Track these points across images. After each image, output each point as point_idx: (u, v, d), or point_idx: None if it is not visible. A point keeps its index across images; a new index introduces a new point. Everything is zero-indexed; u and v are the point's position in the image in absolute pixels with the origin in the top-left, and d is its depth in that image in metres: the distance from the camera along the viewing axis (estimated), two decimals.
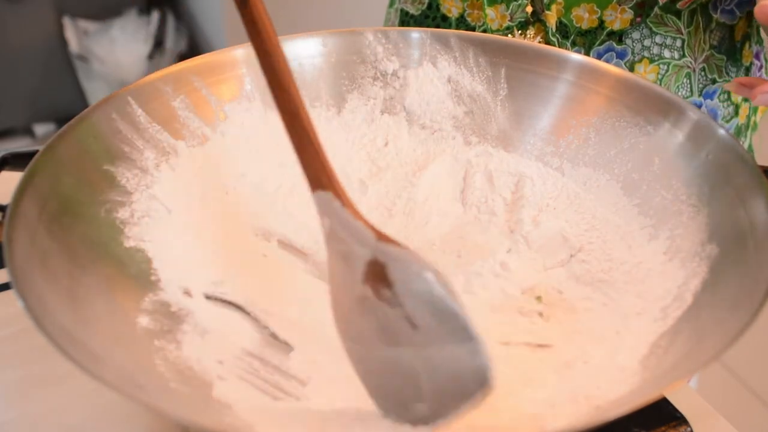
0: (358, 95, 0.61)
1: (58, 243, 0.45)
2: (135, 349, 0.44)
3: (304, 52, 0.60)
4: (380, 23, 0.87)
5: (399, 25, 0.79)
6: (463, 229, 0.57)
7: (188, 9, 2.14)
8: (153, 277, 0.49)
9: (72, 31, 2.03)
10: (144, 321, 0.46)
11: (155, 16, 2.08)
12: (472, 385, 0.38)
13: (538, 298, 0.51)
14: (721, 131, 0.50)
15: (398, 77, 0.61)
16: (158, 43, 2.06)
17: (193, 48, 2.12)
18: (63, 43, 2.02)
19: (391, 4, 0.82)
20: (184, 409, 0.41)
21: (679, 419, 0.46)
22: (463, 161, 0.60)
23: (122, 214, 0.50)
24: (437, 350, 0.39)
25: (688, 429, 0.46)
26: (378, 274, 0.41)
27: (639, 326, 0.47)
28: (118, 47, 2.03)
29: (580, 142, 0.57)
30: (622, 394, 0.42)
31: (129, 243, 0.49)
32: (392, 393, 0.42)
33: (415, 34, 0.61)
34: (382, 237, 0.41)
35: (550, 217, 0.56)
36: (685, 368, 0.40)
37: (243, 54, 0.59)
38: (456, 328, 0.38)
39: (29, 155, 0.48)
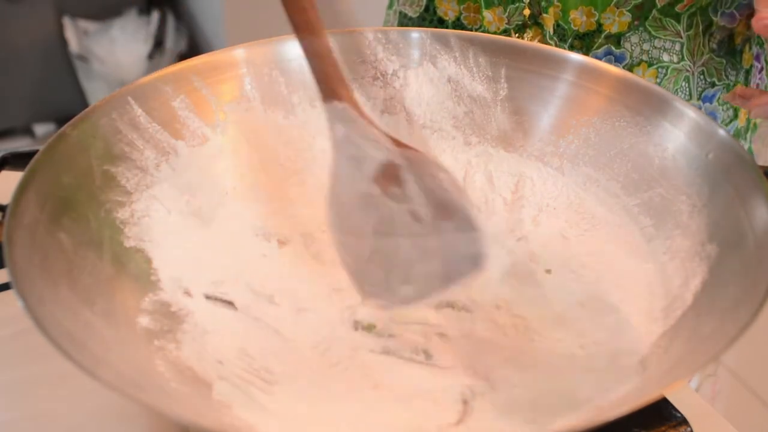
0: (359, 95, 0.61)
1: (58, 243, 0.45)
2: (135, 349, 0.44)
3: None
4: (380, 24, 0.87)
5: (398, 26, 0.79)
6: None
7: (188, 9, 2.14)
8: (153, 277, 0.49)
9: (72, 31, 2.03)
10: (144, 321, 0.46)
11: (155, 16, 2.08)
12: (465, 267, 0.43)
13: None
14: (721, 131, 0.50)
15: (398, 77, 0.61)
16: (158, 43, 2.06)
17: (193, 48, 2.12)
18: (63, 43, 2.02)
19: (390, 6, 0.82)
20: (184, 409, 0.41)
21: (679, 419, 0.46)
22: (463, 161, 0.60)
23: (122, 214, 0.50)
24: (436, 239, 0.44)
25: (688, 429, 0.46)
26: (391, 174, 0.45)
27: (639, 326, 0.47)
28: (118, 47, 2.03)
29: (580, 142, 0.57)
30: (622, 394, 0.42)
31: (129, 243, 0.49)
32: (378, 278, 0.46)
33: (415, 34, 0.61)
34: (399, 143, 0.46)
35: (550, 217, 0.56)
36: (685, 368, 0.40)
37: (243, 54, 0.59)
38: (461, 220, 0.44)
39: (29, 155, 0.48)
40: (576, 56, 0.58)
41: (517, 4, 0.68)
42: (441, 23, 0.75)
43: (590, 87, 0.57)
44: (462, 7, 0.72)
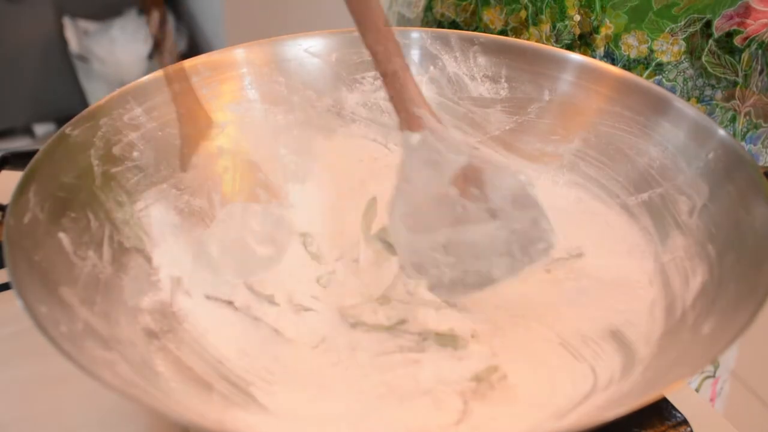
0: (359, 95, 0.61)
1: (58, 243, 0.45)
2: (135, 349, 0.44)
3: (304, 52, 0.60)
4: None
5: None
6: None
7: (188, 9, 2.14)
8: (153, 277, 0.49)
9: (72, 31, 2.03)
10: (144, 321, 0.46)
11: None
12: (534, 253, 0.48)
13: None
14: (722, 131, 0.50)
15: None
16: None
17: (193, 48, 2.12)
18: (63, 43, 2.02)
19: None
20: (184, 410, 0.41)
21: (679, 419, 0.46)
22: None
23: (122, 214, 0.50)
24: (509, 229, 0.48)
25: (688, 429, 0.46)
26: (470, 176, 0.48)
27: (639, 326, 0.47)
28: (118, 47, 2.03)
29: (580, 143, 0.57)
30: (622, 394, 0.42)
31: (129, 243, 0.49)
32: (448, 267, 0.49)
33: (416, 33, 0.61)
34: (475, 146, 0.50)
35: (550, 218, 0.56)
36: (685, 368, 0.40)
37: (243, 54, 0.59)
38: (535, 217, 0.48)
39: (29, 155, 0.48)
40: (576, 56, 0.58)
41: (566, 22, 0.65)
42: (486, 32, 0.72)
43: (590, 87, 0.57)
44: (509, 18, 0.70)
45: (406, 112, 0.49)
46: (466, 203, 0.48)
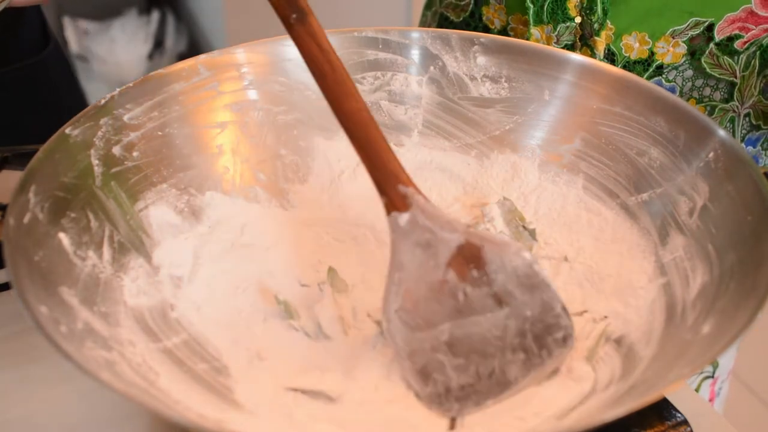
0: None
1: (58, 243, 0.45)
2: (135, 349, 0.44)
3: None
4: (381, 23, 0.87)
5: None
6: None
7: (188, 9, 2.14)
8: (153, 277, 0.49)
9: (72, 31, 2.03)
10: (144, 321, 0.46)
11: (155, 16, 2.08)
12: (553, 344, 0.43)
13: None
14: (722, 131, 0.50)
15: (399, 76, 0.61)
16: (158, 43, 2.06)
17: (193, 48, 2.12)
18: (63, 43, 2.02)
19: (428, 7, 0.80)
20: (184, 409, 0.41)
21: (679, 419, 0.46)
22: (464, 162, 0.60)
23: (122, 214, 0.50)
24: (520, 317, 0.43)
25: (688, 429, 0.46)
26: (468, 257, 0.43)
27: (639, 326, 0.47)
28: (118, 47, 2.03)
29: (580, 142, 0.57)
30: (622, 394, 0.42)
31: (129, 243, 0.49)
32: (453, 375, 0.43)
33: (416, 33, 0.61)
34: (471, 226, 0.46)
35: (550, 217, 0.56)
36: (685, 368, 0.40)
37: (243, 54, 0.58)
38: (546, 300, 0.43)
39: (29, 154, 0.48)
40: (576, 56, 0.58)
41: (567, 23, 0.65)
42: (486, 31, 0.72)
43: (590, 87, 0.57)
44: (510, 17, 0.69)
45: (390, 191, 0.44)
46: (468, 288, 0.43)
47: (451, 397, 0.43)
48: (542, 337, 0.43)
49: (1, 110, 0.79)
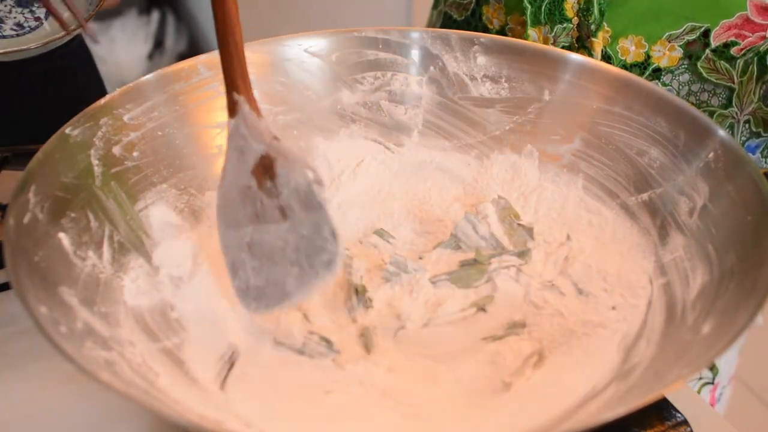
0: (359, 95, 0.61)
1: (58, 243, 0.45)
2: (135, 349, 0.44)
3: (304, 52, 0.60)
4: (381, 23, 0.87)
5: (441, 28, 0.78)
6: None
7: (188, 9, 2.14)
8: (153, 277, 0.49)
9: None
10: (144, 321, 0.46)
11: (155, 16, 2.08)
12: (321, 272, 0.45)
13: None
14: (722, 132, 0.50)
15: (399, 76, 0.61)
16: (158, 43, 2.06)
17: (193, 48, 2.12)
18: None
19: (435, 6, 0.81)
20: (183, 409, 0.41)
21: (679, 419, 0.46)
22: (464, 162, 0.60)
23: (122, 214, 0.50)
24: (297, 233, 0.46)
25: (688, 429, 0.46)
26: (266, 167, 0.46)
27: (638, 326, 0.47)
28: (118, 47, 2.03)
29: (580, 142, 0.57)
30: (622, 394, 0.42)
31: (129, 243, 0.49)
32: (249, 276, 0.47)
33: (416, 33, 0.61)
34: (276, 138, 0.46)
35: (550, 219, 0.56)
36: (685, 368, 0.40)
37: None
38: (318, 221, 0.45)
39: (29, 154, 0.48)
40: (576, 56, 0.58)
41: (565, 25, 0.65)
42: (485, 31, 0.72)
43: (590, 87, 0.57)
44: (509, 18, 0.70)
45: (228, 97, 0.47)
46: (263, 198, 0.47)
47: (250, 294, 0.47)
48: (312, 256, 0.46)
49: (25, 104, 0.78)
